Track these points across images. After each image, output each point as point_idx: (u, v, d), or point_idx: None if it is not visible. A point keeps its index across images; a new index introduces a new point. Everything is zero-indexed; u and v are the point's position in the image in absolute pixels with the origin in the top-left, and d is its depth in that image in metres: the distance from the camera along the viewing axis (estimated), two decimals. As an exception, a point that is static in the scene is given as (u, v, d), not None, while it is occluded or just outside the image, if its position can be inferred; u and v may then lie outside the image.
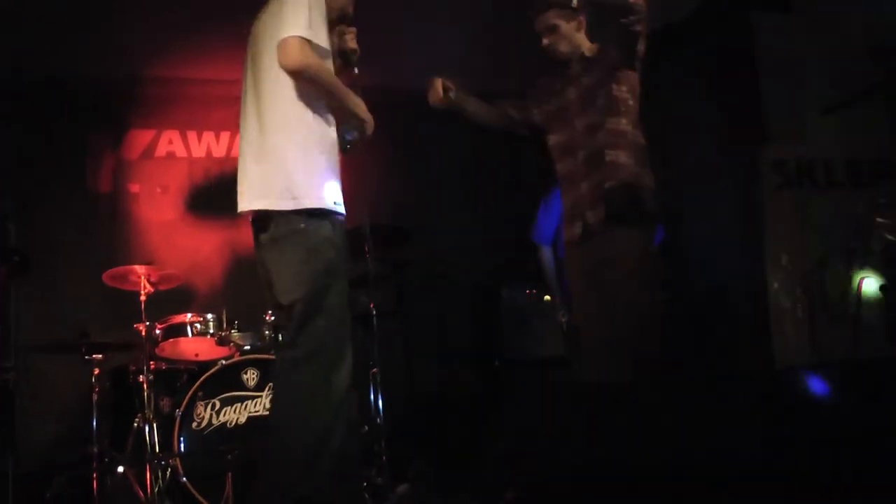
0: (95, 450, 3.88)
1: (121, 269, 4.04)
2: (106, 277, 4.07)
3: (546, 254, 4.55)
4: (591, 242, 3.13)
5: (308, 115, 2.83)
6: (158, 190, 5.25)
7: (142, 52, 4.80)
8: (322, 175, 2.82)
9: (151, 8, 4.41)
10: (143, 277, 3.99)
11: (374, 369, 4.20)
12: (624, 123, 3.19)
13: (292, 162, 2.79)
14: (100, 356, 4.03)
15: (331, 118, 2.91)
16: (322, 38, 2.77)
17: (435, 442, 4.34)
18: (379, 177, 5.68)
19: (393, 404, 4.29)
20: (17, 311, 4.22)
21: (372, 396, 4.17)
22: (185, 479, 3.68)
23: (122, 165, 5.28)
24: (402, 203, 5.50)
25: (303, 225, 2.76)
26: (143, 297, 3.98)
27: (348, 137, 2.95)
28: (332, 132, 2.91)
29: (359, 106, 2.95)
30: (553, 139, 3.33)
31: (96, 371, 4.02)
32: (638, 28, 3.12)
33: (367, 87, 5.40)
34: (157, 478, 3.71)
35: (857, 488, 2.67)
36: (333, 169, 2.88)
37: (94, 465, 3.84)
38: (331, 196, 2.82)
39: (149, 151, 5.30)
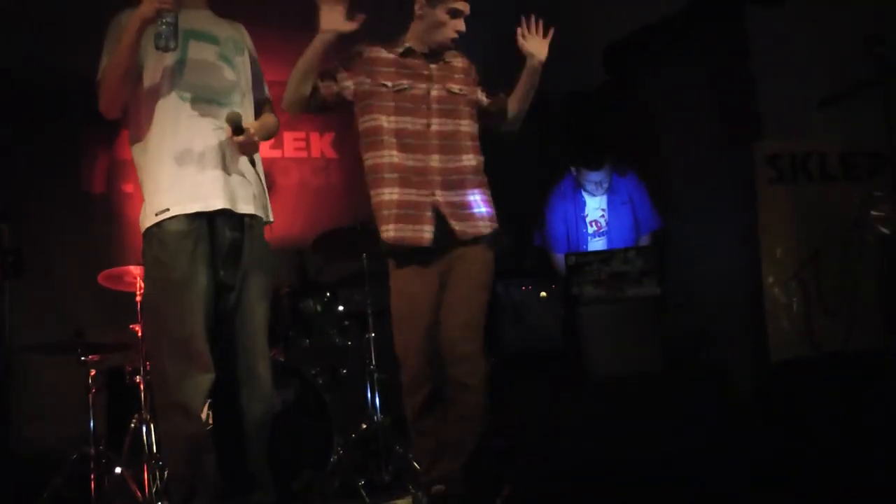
0: (92, 450, 3.88)
1: (116, 269, 4.03)
2: (101, 278, 4.06)
3: (560, 261, 4.59)
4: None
5: (136, 142, 2.82)
6: (153, 189, 5.23)
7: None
8: (152, 190, 2.77)
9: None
10: (138, 278, 3.97)
11: (371, 367, 4.20)
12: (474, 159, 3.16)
13: (142, 192, 2.84)
14: (96, 357, 4.04)
15: (150, 119, 2.77)
16: (106, 57, 2.78)
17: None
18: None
19: (390, 403, 4.28)
20: (11, 312, 4.20)
21: (369, 394, 4.17)
22: (182, 479, 3.68)
23: (117, 165, 5.26)
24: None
25: (144, 248, 2.79)
26: (138, 298, 3.97)
27: (160, 42, 2.63)
28: (158, 136, 2.77)
29: (129, 24, 2.67)
30: (393, 122, 3.06)
31: (92, 372, 4.03)
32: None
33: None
34: (154, 478, 3.71)
35: (853, 480, 2.68)
36: (164, 172, 2.74)
37: (92, 465, 3.84)
38: (155, 207, 2.74)
39: (143, 151, 5.28)
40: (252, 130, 2.77)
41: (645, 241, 4.70)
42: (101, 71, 2.78)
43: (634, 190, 4.71)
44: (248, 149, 2.79)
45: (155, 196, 2.75)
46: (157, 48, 2.62)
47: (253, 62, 3.04)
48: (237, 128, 2.72)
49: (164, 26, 2.61)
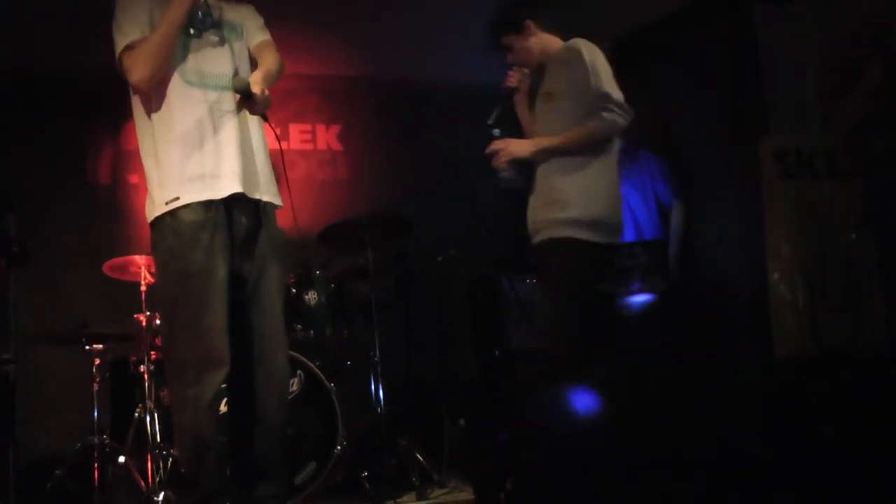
0: (96, 440, 3.89)
1: (121, 259, 4.04)
2: (106, 268, 4.07)
3: None
4: None
5: (144, 123, 2.79)
6: (158, 180, 5.23)
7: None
8: (160, 179, 2.72)
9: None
10: (143, 268, 3.99)
11: (376, 360, 4.20)
12: None
13: (146, 181, 2.79)
14: (100, 347, 4.04)
15: (157, 105, 2.75)
16: (131, 27, 2.78)
17: (435, 432, 4.35)
18: (379, 167, 5.67)
19: (393, 395, 4.29)
20: (16, 302, 4.21)
21: (373, 387, 4.17)
22: (186, 469, 3.68)
23: (122, 156, 5.26)
24: (402, 193, 5.49)
25: (154, 238, 2.75)
26: (143, 288, 3.99)
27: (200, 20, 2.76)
28: (165, 122, 2.73)
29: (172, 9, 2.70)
30: None
31: (97, 362, 4.04)
32: None
33: (371, 78, 5.39)
34: (158, 468, 3.72)
35: (858, 479, 2.68)
36: (173, 159, 2.71)
37: (95, 455, 3.86)
38: (167, 195, 2.70)
39: (148, 142, 5.28)
40: (258, 90, 2.69)
41: (675, 211, 4.62)
42: (123, 36, 2.78)
43: (647, 170, 4.66)
44: (261, 106, 2.74)
45: (163, 184, 2.71)
46: (193, 27, 2.72)
47: (253, 16, 2.99)
48: (245, 93, 2.68)
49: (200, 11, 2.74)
